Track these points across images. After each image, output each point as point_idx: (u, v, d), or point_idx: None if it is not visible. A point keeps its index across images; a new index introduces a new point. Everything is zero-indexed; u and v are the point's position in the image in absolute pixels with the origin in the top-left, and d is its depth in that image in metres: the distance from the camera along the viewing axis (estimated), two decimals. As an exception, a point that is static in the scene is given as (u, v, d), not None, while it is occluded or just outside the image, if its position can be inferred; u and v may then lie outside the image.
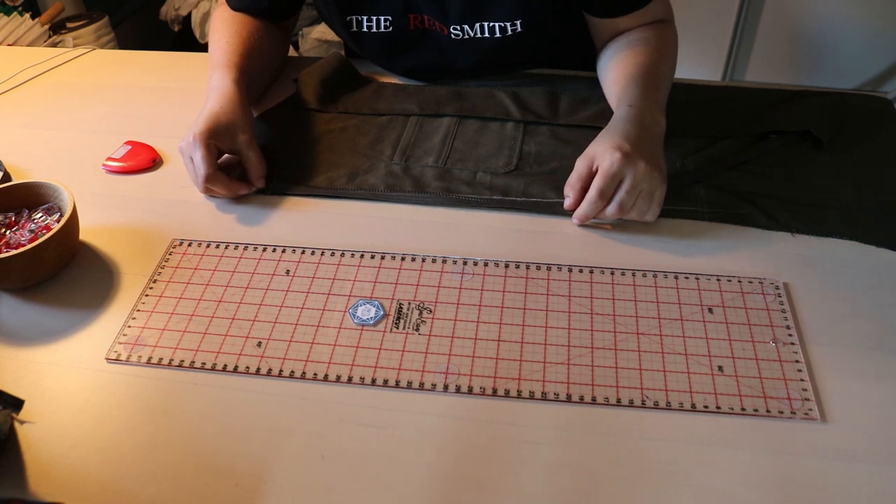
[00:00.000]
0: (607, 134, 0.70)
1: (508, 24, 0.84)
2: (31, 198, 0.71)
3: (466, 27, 0.85)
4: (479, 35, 0.86)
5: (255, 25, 0.90)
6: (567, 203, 0.71)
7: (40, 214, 0.69)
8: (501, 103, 0.87)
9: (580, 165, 0.69)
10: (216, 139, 0.75)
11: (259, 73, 0.89)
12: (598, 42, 0.88)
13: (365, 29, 0.88)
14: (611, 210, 0.68)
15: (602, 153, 0.68)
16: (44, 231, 0.67)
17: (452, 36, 0.86)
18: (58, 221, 0.68)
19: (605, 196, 0.67)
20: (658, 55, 0.81)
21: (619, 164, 0.66)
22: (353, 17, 0.88)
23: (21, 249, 0.63)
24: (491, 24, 0.84)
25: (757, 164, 0.78)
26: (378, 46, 0.91)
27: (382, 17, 0.87)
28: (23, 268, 0.64)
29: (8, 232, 0.68)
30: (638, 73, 0.78)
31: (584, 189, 0.69)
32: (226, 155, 0.78)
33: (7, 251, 0.64)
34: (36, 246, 0.63)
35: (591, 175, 0.69)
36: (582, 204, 0.69)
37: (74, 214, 0.68)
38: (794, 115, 0.82)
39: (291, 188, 0.77)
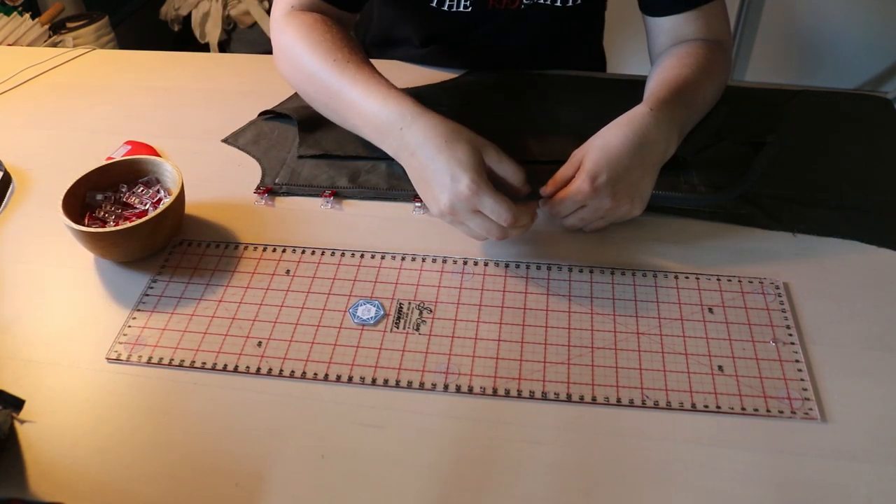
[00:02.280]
0: (603, 145, 0.65)
1: None
2: (129, 174, 0.74)
3: None
4: (543, 1, 0.87)
5: (338, 26, 0.78)
6: (543, 190, 0.67)
7: (140, 188, 0.73)
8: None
9: (571, 164, 0.67)
10: (478, 170, 0.62)
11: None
12: (653, 50, 0.85)
13: (446, 8, 0.87)
14: (565, 223, 0.69)
15: (583, 168, 0.64)
16: (148, 202, 0.72)
17: (524, 5, 0.87)
18: (159, 192, 0.72)
19: (560, 213, 0.67)
20: (703, 74, 0.74)
21: (584, 195, 0.64)
22: None
23: (145, 218, 0.66)
24: None
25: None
26: (448, 26, 0.90)
27: None
28: (146, 236, 0.67)
29: (125, 198, 0.72)
30: (675, 82, 0.72)
31: (562, 186, 0.66)
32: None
33: (124, 223, 0.68)
34: (158, 214, 0.67)
35: (572, 176, 0.66)
36: (547, 207, 0.67)
37: (182, 182, 0.70)
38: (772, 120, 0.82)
39: (294, 188, 0.77)
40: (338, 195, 0.76)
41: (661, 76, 0.74)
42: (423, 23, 0.94)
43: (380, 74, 0.72)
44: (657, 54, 0.83)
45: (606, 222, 0.69)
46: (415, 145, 0.65)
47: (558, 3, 0.88)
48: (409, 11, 0.94)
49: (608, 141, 0.65)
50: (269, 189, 0.77)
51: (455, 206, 0.62)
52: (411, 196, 0.75)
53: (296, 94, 0.90)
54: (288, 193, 0.77)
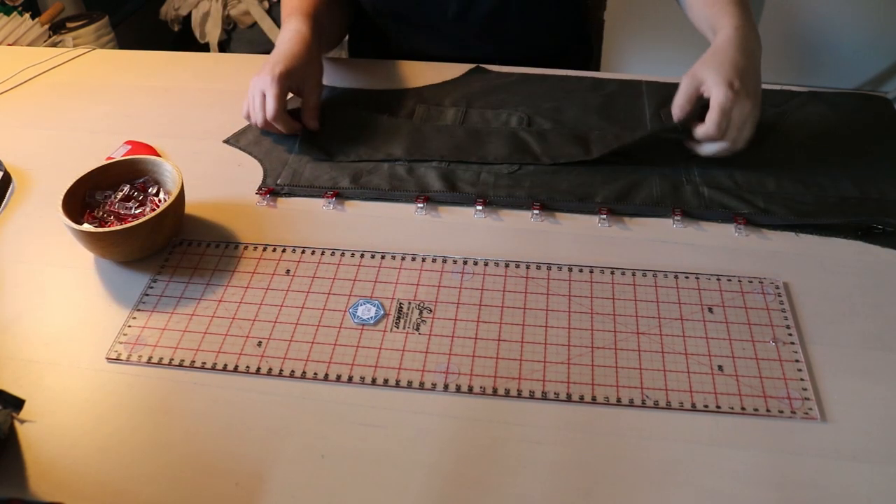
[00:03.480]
0: (716, 61, 0.73)
1: None
2: (130, 174, 0.74)
3: None
4: None
5: None
6: (675, 114, 0.75)
7: (137, 192, 0.73)
8: (527, 147, 0.81)
9: (688, 86, 0.74)
10: (291, 80, 0.80)
11: (329, 25, 0.93)
12: None
13: None
14: (719, 147, 0.74)
15: (714, 84, 0.71)
16: (147, 203, 0.72)
17: None
18: (157, 193, 0.73)
19: (722, 131, 0.72)
20: None
21: (732, 102, 0.71)
22: None
23: (145, 218, 0.66)
24: None
25: (757, 163, 0.78)
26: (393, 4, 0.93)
27: None
28: (146, 236, 0.67)
29: (128, 200, 0.72)
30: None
31: (691, 109, 0.74)
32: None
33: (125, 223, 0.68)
34: (158, 214, 0.67)
35: (697, 97, 0.74)
36: (700, 135, 0.74)
37: (182, 182, 0.70)
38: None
39: (296, 189, 0.77)
40: (340, 196, 0.76)
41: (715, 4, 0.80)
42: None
43: (312, 12, 0.88)
44: None
45: (749, 132, 0.73)
46: (282, 41, 0.85)
47: None
48: None
49: (722, 58, 0.73)
50: (270, 190, 0.77)
51: (254, 80, 0.80)
52: (413, 196, 0.75)
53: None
54: (290, 194, 0.77)
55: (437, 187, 0.76)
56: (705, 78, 0.73)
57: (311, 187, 0.77)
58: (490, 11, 0.96)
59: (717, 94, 0.71)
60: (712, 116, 0.72)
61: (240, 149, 0.84)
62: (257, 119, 0.81)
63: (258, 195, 0.77)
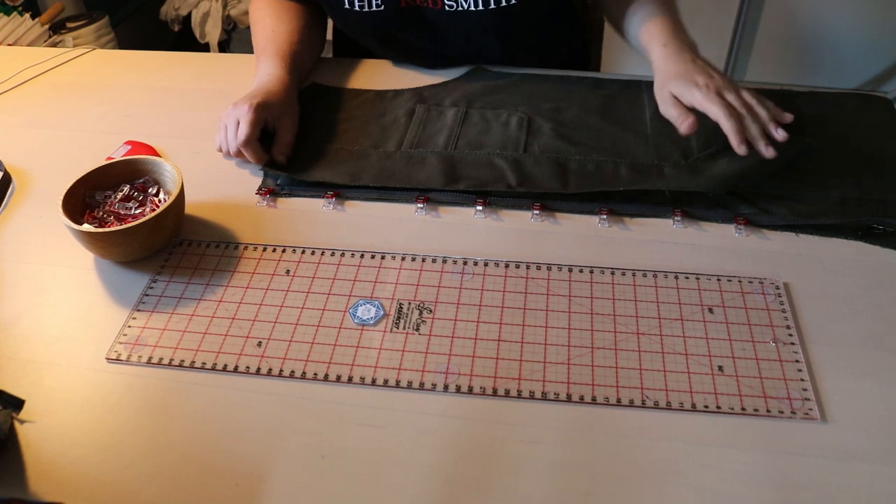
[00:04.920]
0: (671, 70, 0.78)
1: None
2: (130, 174, 0.74)
3: None
4: (472, 7, 0.87)
5: (295, 9, 0.93)
6: (682, 126, 0.76)
7: (137, 192, 0.73)
8: (503, 176, 0.77)
9: (664, 95, 0.78)
10: (268, 112, 0.80)
11: (304, 59, 0.93)
12: (612, 14, 0.93)
13: (357, 8, 0.89)
14: (755, 130, 0.74)
15: (685, 92, 0.75)
16: (148, 202, 0.73)
17: (446, 7, 0.87)
18: (157, 193, 0.73)
19: (734, 114, 0.73)
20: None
21: (711, 90, 0.74)
22: None
23: (145, 218, 0.66)
24: None
25: (758, 163, 0.78)
26: (368, 25, 0.91)
27: None
28: (146, 236, 0.67)
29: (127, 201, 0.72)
30: (656, 12, 0.84)
31: (682, 105, 0.76)
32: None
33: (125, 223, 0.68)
34: (158, 214, 0.67)
35: (676, 100, 0.77)
36: (730, 132, 0.73)
37: (181, 182, 0.70)
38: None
39: (297, 188, 0.77)
40: (339, 196, 0.76)
41: (645, 25, 0.85)
42: (348, 25, 0.95)
43: (285, 50, 0.89)
44: (619, 13, 0.91)
45: (750, 96, 0.76)
46: (260, 80, 0.86)
47: (492, 5, 0.87)
48: (331, 13, 0.96)
49: (669, 69, 0.79)
50: (271, 190, 0.77)
51: (230, 107, 0.80)
52: (413, 197, 0.75)
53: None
54: (290, 194, 0.77)
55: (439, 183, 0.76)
56: (672, 89, 0.77)
57: (315, 185, 0.77)
58: (462, 48, 0.95)
59: (697, 97, 0.74)
60: (713, 111, 0.73)
61: None
62: (229, 145, 0.79)
63: (258, 195, 0.77)
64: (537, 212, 0.73)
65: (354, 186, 0.77)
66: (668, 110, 0.78)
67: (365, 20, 0.90)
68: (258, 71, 0.88)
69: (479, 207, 0.74)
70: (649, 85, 0.91)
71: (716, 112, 0.73)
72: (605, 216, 0.72)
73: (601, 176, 0.77)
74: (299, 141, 0.83)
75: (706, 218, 0.72)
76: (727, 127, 0.72)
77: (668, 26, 0.83)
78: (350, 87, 0.94)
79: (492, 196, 0.75)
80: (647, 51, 0.84)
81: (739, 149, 0.72)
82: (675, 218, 0.72)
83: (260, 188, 0.78)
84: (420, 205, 0.74)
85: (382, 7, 0.88)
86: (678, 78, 0.77)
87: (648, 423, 0.55)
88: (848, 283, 0.65)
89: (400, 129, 0.85)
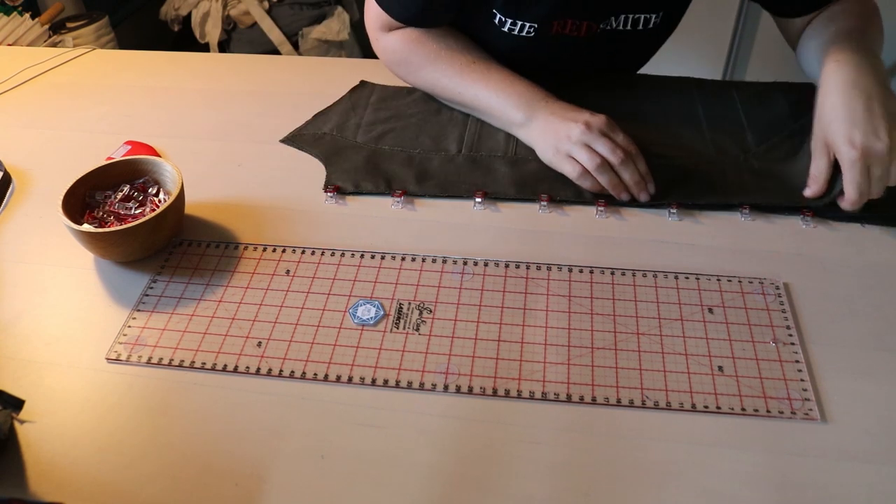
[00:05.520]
0: (829, 114, 0.69)
1: (653, 17, 0.83)
2: (130, 174, 0.74)
3: (612, 19, 0.84)
4: (620, 27, 0.85)
5: (445, 30, 0.87)
6: (810, 192, 0.72)
7: (137, 192, 0.73)
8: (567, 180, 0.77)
9: (820, 161, 0.70)
10: None
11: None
12: (792, 39, 0.88)
13: (506, 30, 0.85)
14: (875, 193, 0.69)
15: (834, 144, 0.68)
16: (148, 202, 0.72)
17: (599, 29, 0.85)
18: (157, 193, 0.73)
19: (863, 190, 0.68)
20: (862, 19, 0.78)
21: (857, 157, 0.66)
22: (500, 16, 0.84)
23: (145, 218, 0.66)
24: (636, 16, 0.84)
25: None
26: (510, 45, 0.87)
27: (528, 24, 0.84)
28: (146, 236, 0.67)
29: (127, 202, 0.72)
30: (837, 32, 0.75)
31: (827, 179, 0.71)
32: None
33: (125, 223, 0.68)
34: (158, 213, 0.66)
35: (831, 164, 0.70)
36: (848, 208, 0.69)
37: (181, 182, 0.70)
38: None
39: (361, 186, 0.77)
40: (340, 191, 0.76)
41: (819, 39, 0.77)
42: (489, 41, 0.90)
43: (501, 69, 0.83)
44: (797, 34, 0.85)
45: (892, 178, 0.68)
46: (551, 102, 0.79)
47: (640, 27, 0.85)
48: (473, 28, 0.90)
49: (828, 109, 0.70)
50: (337, 188, 0.77)
51: (592, 124, 0.73)
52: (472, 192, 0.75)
53: (315, 117, 0.88)
54: (357, 193, 0.77)
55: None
56: (831, 140, 0.69)
57: (378, 183, 0.77)
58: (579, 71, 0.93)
59: (845, 161, 0.68)
60: (850, 180, 0.68)
61: (298, 149, 0.83)
62: (622, 164, 0.72)
63: (326, 192, 0.76)
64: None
65: (422, 195, 0.76)
66: (815, 168, 0.71)
67: (509, 41, 0.87)
68: (502, 91, 0.81)
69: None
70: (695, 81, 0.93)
71: (853, 197, 0.68)
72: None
73: (672, 177, 0.76)
74: (353, 143, 0.83)
75: (772, 211, 0.72)
76: (851, 206, 0.69)
77: (838, 35, 0.74)
78: (396, 86, 0.93)
79: (561, 202, 0.74)
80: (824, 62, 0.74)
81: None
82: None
83: (326, 186, 0.77)
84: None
85: (533, 35, 0.85)
86: (840, 116, 0.68)
87: (648, 423, 0.55)
88: (848, 283, 0.65)
89: (458, 126, 0.85)
